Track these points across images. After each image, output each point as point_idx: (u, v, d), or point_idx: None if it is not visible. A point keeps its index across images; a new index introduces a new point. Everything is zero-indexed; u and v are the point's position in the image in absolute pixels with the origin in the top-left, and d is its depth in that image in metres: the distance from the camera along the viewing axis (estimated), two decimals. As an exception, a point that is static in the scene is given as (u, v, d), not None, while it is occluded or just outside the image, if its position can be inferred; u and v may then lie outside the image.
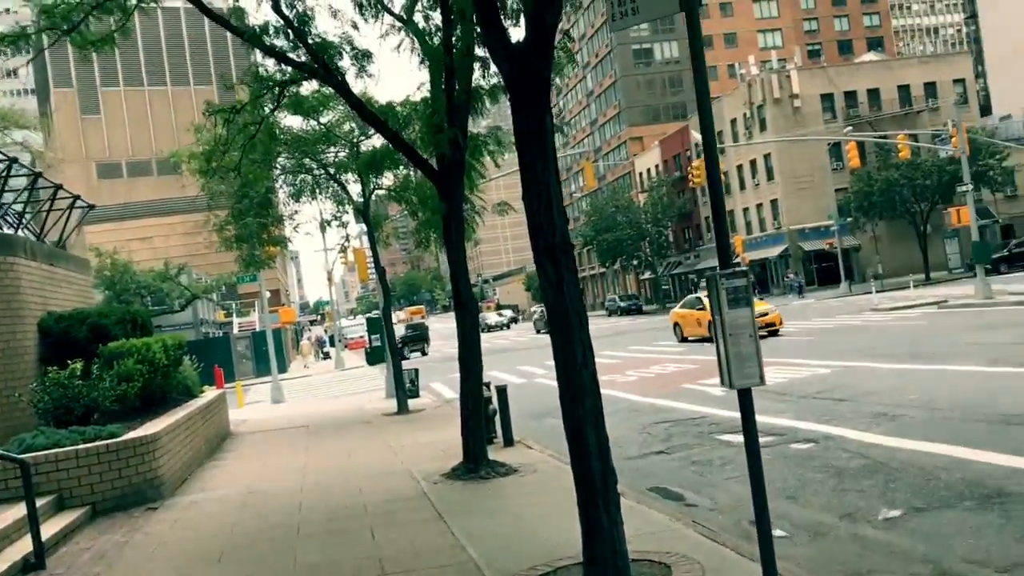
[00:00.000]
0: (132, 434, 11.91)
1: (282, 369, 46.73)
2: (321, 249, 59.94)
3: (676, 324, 33.34)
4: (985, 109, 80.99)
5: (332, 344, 57.73)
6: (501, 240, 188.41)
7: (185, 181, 21.56)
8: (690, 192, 77.14)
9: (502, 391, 13.85)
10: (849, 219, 59.39)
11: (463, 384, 11.58)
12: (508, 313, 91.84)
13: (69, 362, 13.03)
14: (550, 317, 6.34)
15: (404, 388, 21.29)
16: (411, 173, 21.30)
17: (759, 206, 67.92)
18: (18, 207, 19.49)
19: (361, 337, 78.39)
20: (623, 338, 40.21)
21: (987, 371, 14.84)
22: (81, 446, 11.29)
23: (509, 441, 13.62)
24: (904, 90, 65.75)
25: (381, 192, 23.34)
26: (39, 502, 10.29)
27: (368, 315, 44.94)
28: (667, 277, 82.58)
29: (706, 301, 26.56)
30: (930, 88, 66.02)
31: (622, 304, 75.00)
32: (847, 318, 33.48)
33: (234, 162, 13.88)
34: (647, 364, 25.21)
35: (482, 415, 11.56)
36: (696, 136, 45.33)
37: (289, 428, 20.34)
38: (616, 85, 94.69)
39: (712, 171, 5.52)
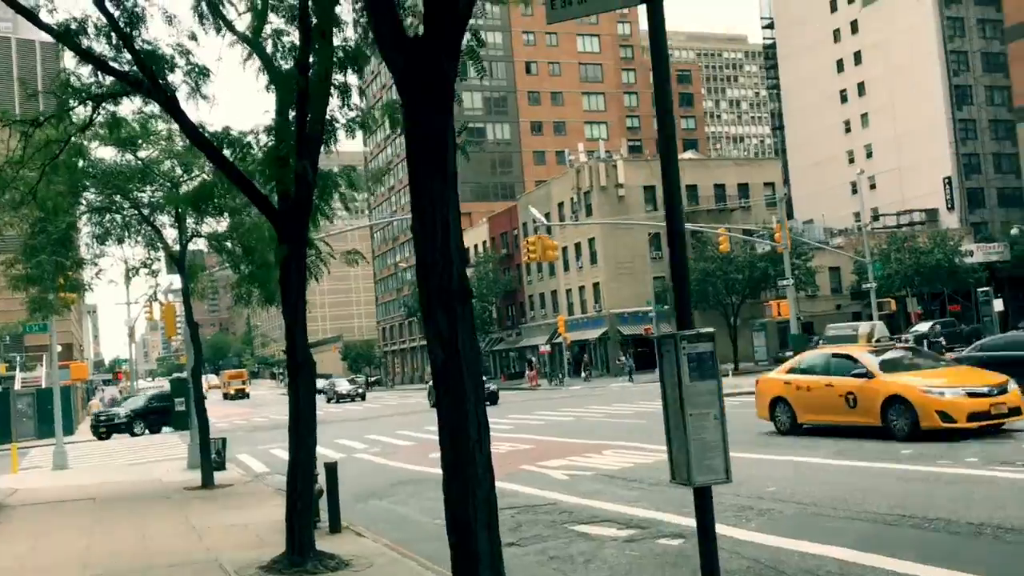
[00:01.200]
0: None
1: (69, 431, 42.01)
2: (123, 303, 55.58)
3: (779, 400, 19.06)
4: (789, 213, 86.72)
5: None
6: (317, 307, 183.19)
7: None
8: (515, 270, 77.61)
9: (331, 468, 12.18)
10: (666, 307, 61.15)
11: (293, 458, 9.91)
12: (359, 379, 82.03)
13: None
14: (438, 381, 5.01)
15: (210, 459, 19.02)
16: (240, 218, 19.46)
17: (582, 288, 69.02)
18: None
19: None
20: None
21: (836, 464, 14.54)
22: None
23: (336, 527, 11.92)
24: (720, 188, 69.27)
25: (199, 241, 21.29)
26: None
27: (174, 376, 41.40)
28: (489, 353, 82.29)
29: (863, 357, 17.48)
30: (743, 188, 69.89)
31: (441, 379, 73.79)
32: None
33: (30, 185, 11.74)
34: (477, 442, 23.95)
35: (311, 496, 9.89)
36: (534, 213, 45.36)
37: (72, 500, 17.58)
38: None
39: (672, 191, 4.46)
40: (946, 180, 79.73)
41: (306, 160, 9.64)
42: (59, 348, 37.91)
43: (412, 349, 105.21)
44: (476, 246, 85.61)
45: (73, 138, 11.55)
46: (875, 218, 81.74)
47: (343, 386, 68.34)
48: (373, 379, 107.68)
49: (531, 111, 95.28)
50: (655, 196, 66.85)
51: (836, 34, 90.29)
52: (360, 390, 68.04)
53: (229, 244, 20.24)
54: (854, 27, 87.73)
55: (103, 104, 11.02)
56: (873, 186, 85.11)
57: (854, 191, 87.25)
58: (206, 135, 10.26)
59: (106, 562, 10.77)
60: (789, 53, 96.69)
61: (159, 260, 20.97)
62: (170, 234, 20.15)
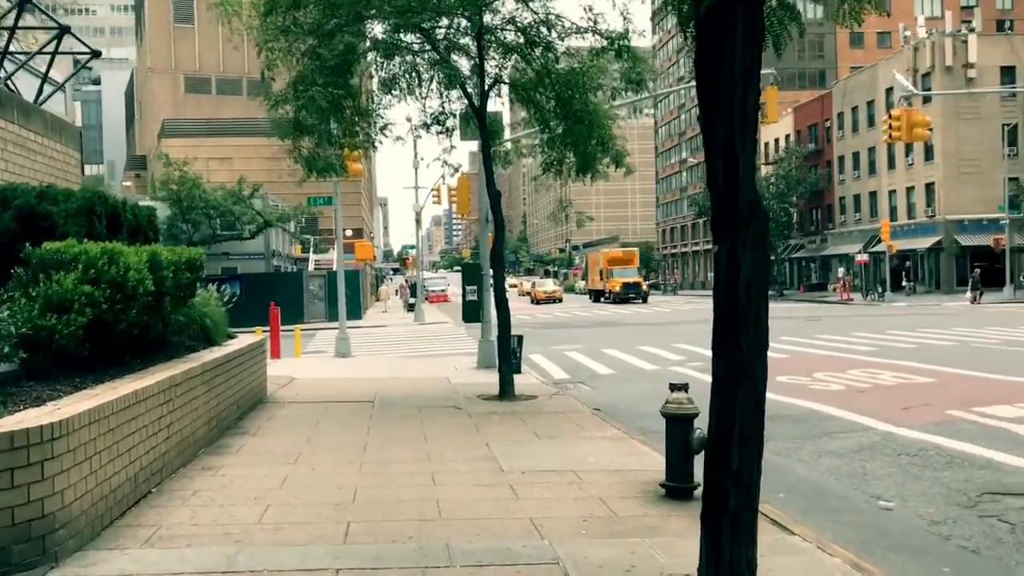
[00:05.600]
0: (7, 423, 5.82)
1: (356, 315, 40.95)
2: (411, 187, 54.02)
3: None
4: None
5: (413, 294, 51.89)
6: (593, 206, 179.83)
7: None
8: (824, 167, 68.79)
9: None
10: (1021, 214, 50.90)
11: (721, 397, 5.06)
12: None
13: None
14: None
15: (510, 363, 15.07)
16: (552, 57, 14.90)
17: (910, 189, 59.20)
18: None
19: (443, 291, 72.23)
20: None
21: None
22: None
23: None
24: (1105, 71, 56.16)
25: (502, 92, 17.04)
26: None
27: (465, 261, 38.83)
28: (784, 262, 74.37)
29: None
30: None
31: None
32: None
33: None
34: (839, 366, 18.37)
35: (757, 484, 5.05)
36: (900, 79, 37.37)
37: (347, 402, 14.31)
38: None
39: None
40: None
41: None
42: (349, 232, 36.44)
43: (695, 253, 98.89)
44: (777, 140, 77.09)
45: None
46: None
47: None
48: (650, 283, 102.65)
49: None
50: (1015, 79, 55.37)
51: None
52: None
53: (538, 95, 15.88)
54: None
55: None
56: None
57: None
58: None
59: (376, 524, 6.74)
60: None
61: (453, 116, 16.91)
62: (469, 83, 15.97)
